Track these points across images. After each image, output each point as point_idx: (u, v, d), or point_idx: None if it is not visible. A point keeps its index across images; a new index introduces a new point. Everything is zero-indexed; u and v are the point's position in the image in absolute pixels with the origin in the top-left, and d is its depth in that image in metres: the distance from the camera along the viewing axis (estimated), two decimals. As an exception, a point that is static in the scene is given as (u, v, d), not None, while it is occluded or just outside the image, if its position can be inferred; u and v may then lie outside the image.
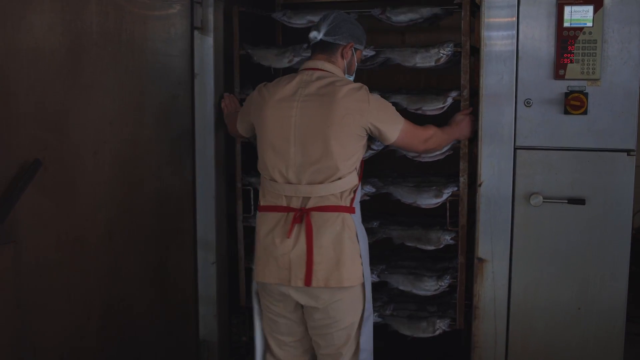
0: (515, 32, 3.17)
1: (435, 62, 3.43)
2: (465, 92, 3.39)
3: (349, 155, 2.81)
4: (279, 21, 3.83)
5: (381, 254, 3.88)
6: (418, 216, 3.77)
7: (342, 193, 2.82)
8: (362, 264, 2.85)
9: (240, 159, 3.70)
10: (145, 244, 3.21)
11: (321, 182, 2.79)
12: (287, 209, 2.82)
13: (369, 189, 3.54)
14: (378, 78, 4.31)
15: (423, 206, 3.49)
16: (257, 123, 2.92)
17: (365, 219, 3.74)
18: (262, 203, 2.92)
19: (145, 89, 3.15)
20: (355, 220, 2.87)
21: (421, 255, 3.77)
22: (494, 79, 3.21)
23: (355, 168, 2.88)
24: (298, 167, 2.80)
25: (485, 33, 3.20)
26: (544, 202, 3.19)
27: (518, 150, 3.23)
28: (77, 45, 2.71)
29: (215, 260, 3.63)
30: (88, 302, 2.86)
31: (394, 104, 3.51)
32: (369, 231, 3.60)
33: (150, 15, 3.15)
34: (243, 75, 3.69)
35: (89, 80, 2.79)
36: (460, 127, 3.31)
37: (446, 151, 3.42)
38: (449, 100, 3.43)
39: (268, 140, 2.86)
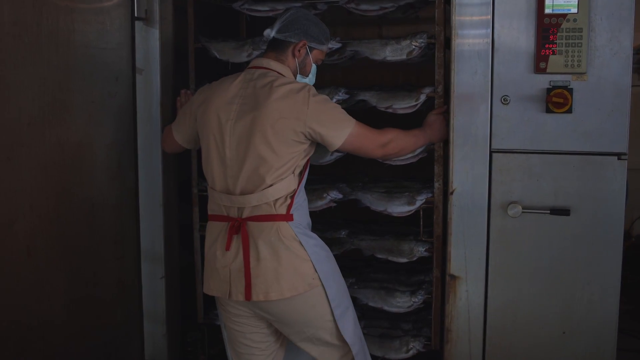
0: (490, 20, 2.79)
1: (407, 56, 3.07)
2: (440, 89, 3.02)
3: (282, 162, 2.58)
4: (242, 12, 3.48)
5: (353, 265, 3.54)
6: (392, 223, 3.41)
7: (275, 201, 2.58)
8: (313, 267, 2.62)
9: (197, 162, 3.36)
10: (75, 259, 2.88)
11: (252, 192, 2.58)
12: (227, 219, 2.63)
13: (335, 194, 3.19)
14: (352, 75, 3.96)
15: (394, 214, 3.14)
16: (200, 128, 2.71)
17: (332, 227, 3.42)
18: (208, 211, 2.74)
19: (73, 86, 2.82)
20: (294, 227, 2.61)
21: (396, 267, 3.41)
22: (467, 73, 2.84)
23: (293, 172, 2.62)
24: (234, 175, 2.60)
25: (456, 20, 2.83)
26: (523, 212, 2.81)
27: (494, 154, 2.86)
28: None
29: (165, 274, 3.30)
30: (3, 325, 2.54)
31: (360, 101, 3.20)
32: (336, 241, 3.27)
33: (78, 5, 2.81)
34: (199, 71, 3.35)
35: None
36: (433, 129, 2.96)
37: (419, 154, 3.06)
38: (422, 98, 3.06)
39: (208, 146, 2.66)
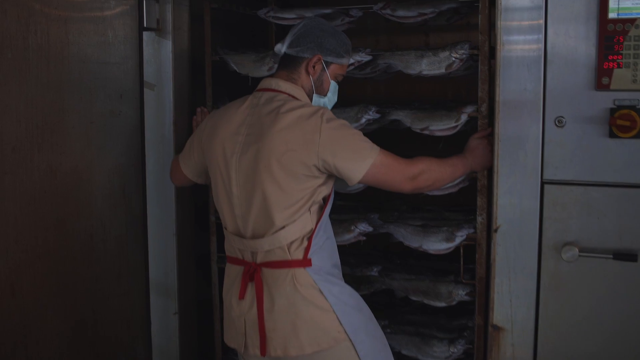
0: (542, 27, 2.36)
1: (445, 69, 2.65)
2: (484, 108, 2.60)
3: (293, 201, 2.23)
4: (271, 22, 3.15)
5: (388, 302, 3.14)
6: (432, 258, 3.00)
7: (290, 244, 2.26)
8: (337, 319, 2.27)
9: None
10: (70, 297, 2.60)
11: (263, 235, 2.26)
12: (242, 263, 2.35)
13: (365, 227, 2.82)
14: (396, 88, 3.55)
15: (431, 252, 2.73)
16: (208, 161, 2.40)
17: (364, 262, 3.03)
18: (225, 251, 2.46)
19: (67, 106, 2.54)
20: (313, 273, 2.27)
21: (435, 307, 2.99)
22: (514, 90, 2.41)
23: (309, 210, 2.27)
24: (243, 216, 2.30)
25: (501, 26, 2.40)
26: (580, 256, 2.35)
27: (547, 186, 2.41)
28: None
29: (178, 310, 2.99)
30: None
31: (393, 122, 2.80)
32: (365, 280, 2.88)
33: (73, 16, 2.54)
34: (218, 87, 3.04)
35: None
36: (475, 155, 2.54)
37: (459, 183, 2.66)
38: (463, 118, 2.64)
39: (216, 183, 2.36)
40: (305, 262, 2.25)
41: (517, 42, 2.40)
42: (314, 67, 2.36)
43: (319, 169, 2.22)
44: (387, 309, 3.05)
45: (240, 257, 2.33)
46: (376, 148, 2.26)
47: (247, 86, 3.02)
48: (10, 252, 2.36)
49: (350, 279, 2.89)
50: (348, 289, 2.36)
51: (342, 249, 3.02)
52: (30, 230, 2.43)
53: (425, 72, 2.68)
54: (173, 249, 2.96)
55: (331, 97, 2.49)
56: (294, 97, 2.33)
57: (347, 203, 3.21)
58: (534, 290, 2.46)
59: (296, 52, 2.36)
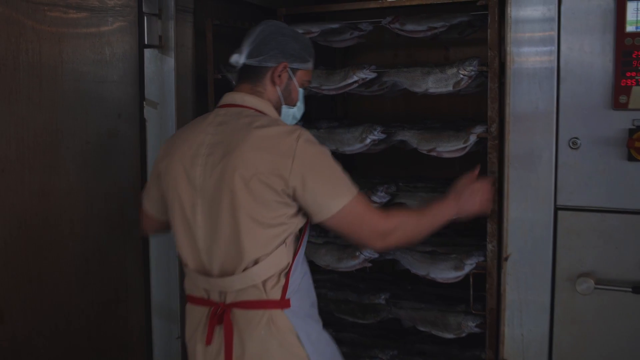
0: (554, 40, 2.20)
1: (453, 87, 2.51)
2: (494, 128, 2.44)
3: (266, 232, 1.97)
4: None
5: (398, 329, 2.98)
6: (442, 285, 2.84)
7: (265, 282, 1.99)
8: None
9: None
10: (62, 322, 2.52)
11: (233, 272, 1.99)
12: (208, 303, 2.07)
13: (370, 253, 2.67)
14: (417, 103, 3.40)
15: (439, 280, 2.58)
16: (165, 189, 2.12)
17: (372, 289, 2.89)
18: (185, 290, 2.17)
19: (61, 126, 2.47)
20: (292, 316, 2.01)
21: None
22: (525, 107, 2.26)
23: (284, 242, 2.00)
24: (208, 250, 2.02)
25: (511, 39, 2.25)
26: (596, 288, 2.19)
27: (560, 212, 2.25)
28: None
29: (180, 334, 2.89)
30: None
31: (400, 142, 2.66)
32: (371, 308, 2.74)
33: (68, 32, 2.47)
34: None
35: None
36: (460, 200, 2.23)
37: (468, 207, 2.50)
38: (472, 139, 2.49)
39: (174, 213, 2.08)
40: (284, 303, 1.99)
41: (527, 56, 2.25)
42: (279, 76, 2.11)
43: (289, 196, 1.95)
44: (396, 337, 2.90)
45: (205, 296, 2.06)
46: (354, 190, 1.98)
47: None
48: (-1, 276, 2.30)
49: (357, 306, 2.77)
50: (325, 335, 2.14)
51: (350, 273, 2.92)
52: (20, 253, 2.36)
53: (431, 90, 2.54)
54: (175, 272, 2.86)
55: (300, 106, 2.25)
56: (262, 112, 2.08)
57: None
58: (547, 324, 2.29)
59: (258, 61, 2.10)
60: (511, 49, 2.26)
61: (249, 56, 2.11)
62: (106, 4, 2.59)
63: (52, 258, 2.48)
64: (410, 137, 2.60)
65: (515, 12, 2.25)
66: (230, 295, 2.00)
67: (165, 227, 2.25)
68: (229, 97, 2.14)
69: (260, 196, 1.93)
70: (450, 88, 2.50)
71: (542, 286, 2.28)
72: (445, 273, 2.53)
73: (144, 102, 2.83)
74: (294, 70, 2.15)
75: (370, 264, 2.69)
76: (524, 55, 2.25)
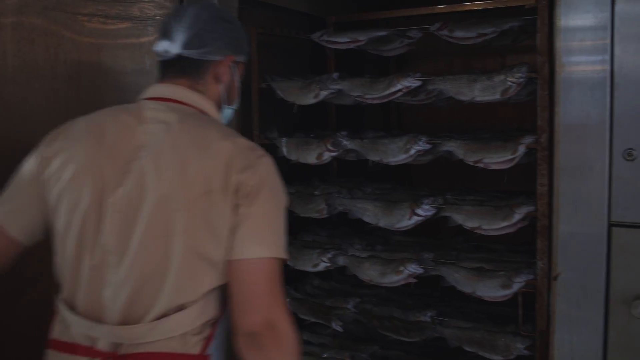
0: (607, 47, 2.05)
1: (501, 95, 2.38)
2: (544, 138, 2.30)
3: (205, 273, 1.57)
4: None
5: (443, 347, 2.85)
6: (492, 304, 2.69)
7: (184, 334, 1.57)
8: None
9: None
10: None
11: (140, 320, 1.55)
12: (90, 353, 1.59)
13: (414, 268, 2.56)
14: (470, 112, 3.27)
15: (485, 298, 2.45)
16: (55, 206, 1.63)
17: (419, 304, 2.78)
18: (51, 333, 1.68)
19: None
20: None
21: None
22: (576, 116, 2.11)
23: (221, 286, 1.61)
24: (116, 287, 1.57)
25: (561, 47, 2.12)
26: (654, 313, 2.01)
27: (615, 228, 2.09)
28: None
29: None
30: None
31: (447, 152, 2.55)
32: (415, 326, 2.62)
33: (107, 43, 2.47)
34: (266, 114, 2.91)
35: (0, 128, 2.18)
36: None
37: (517, 222, 2.37)
38: (521, 150, 2.35)
39: (70, 232, 1.60)
40: None
41: (578, 62, 2.11)
42: (224, 72, 1.74)
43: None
44: (443, 357, 2.77)
45: (87, 344, 1.58)
46: (282, 251, 1.60)
47: (290, 114, 2.89)
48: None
49: (401, 323, 2.66)
50: None
51: (397, 288, 2.81)
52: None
53: (478, 99, 2.41)
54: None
55: (236, 104, 1.89)
56: (207, 114, 1.71)
57: (405, 239, 2.97)
58: (600, 350, 2.12)
59: (200, 54, 1.69)
60: (560, 56, 2.12)
61: (187, 46, 1.69)
62: (146, 13, 2.58)
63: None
64: (456, 148, 2.48)
65: (565, 18, 2.12)
66: (129, 345, 1.56)
67: (15, 253, 1.72)
68: (164, 90, 1.72)
69: (207, 221, 1.55)
70: (498, 96, 2.37)
71: (594, 308, 2.12)
72: (492, 291, 2.40)
73: (188, 113, 2.81)
74: (236, 64, 1.79)
75: (415, 280, 2.58)
76: (574, 61, 2.11)
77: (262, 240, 1.56)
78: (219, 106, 1.78)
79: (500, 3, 2.74)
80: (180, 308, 1.55)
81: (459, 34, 2.63)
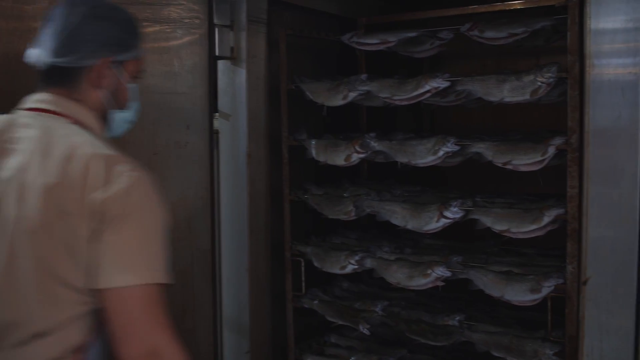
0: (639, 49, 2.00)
1: (530, 95, 2.34)
2: (574, 139, 2.25)
3: (65, 292, 1.44)
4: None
5: (475, 352, 2.81)
6: (521, 309, 2.63)
7: None
8: None
9: (290, 222, 2.91)
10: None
11: None
12: None
13: (442, 271, 2.52)
14: (504, 113, 3.23)
15: (514, 303, 2.40)
16: None
17: (448, 308, 2.74)
18: None
19: (128, 137, 2.48)
20: None
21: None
22: (607, 117, 2.07)
23: (88, 310, 1.47)
24: None
25: (591, 49, 2.07)
26: (688, 319, 1.95)
27: (647, 233, 2.03)
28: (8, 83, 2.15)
29: (250, 349, 2.85)
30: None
31: (475, 154, 2.51)
32: (443, 330, 2.59)
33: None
34: (295, 115, 2.91)
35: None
36: None
37: (546, 225, 2.32)
38: (550, 151, 2.31)
39: None
40: None
41: (608, 65, 2.07)
42: (102, 77, 1.59)
43: None
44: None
45: None
46: (160, 273, 1.49)
47: (320, 115, 2.90)
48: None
49: (428, 327, 2.63)
50: None
51: (426, 292, 2.78)
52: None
53: (507, 99, 2.37)
54: (245, 285, 2.84)
55: (134, 107, 1.76)
56: (84, 124, 1.56)
57: (436, 242, 2.94)
58: (631, 356, 2.08)
59: (70, 61, 1.55)
60: (590, 56, 2.08)
61: (56, 53, 1.55)
62: (175, 17, 2.60)
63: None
64: (485, 150, 2.45)
65: (594, 18, 2.07)
66: None
67: None
68: (38, 100, 1.58)
69: (64, 242, 1.43)
70: (528, 96, 2.33)
71: (625, 314, 2.06)
72: (520, 295, 2.35)
73: (217, 114, 2.83)
74: (120, 63, 1.63)
75: (443, 284, 2.55)
76: (605, 62, 2.07)
77: (131, 267, 1.43)
78: (104, 113, 1.64)
79: (532, 3, 2.69)
80: (41, 335, 1.43)
81: (489, 34, 2.59)
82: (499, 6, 2.77)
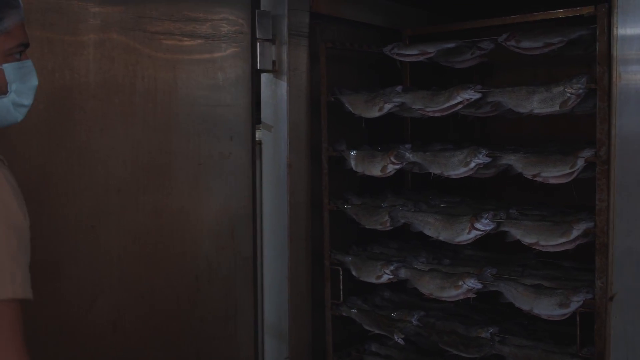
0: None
1: (560, 107, 2.31)
2: (604, 151, 2.21)
3: None
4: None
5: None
6: (560, 322, 2.58)
7: None
8: None
9: (330, 231, 2.97)
10: (173, 335, 2.64)
11: None
12: None
13: (473, 283, 2.53)
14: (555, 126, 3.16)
15: (543, 317, 2.37)
16: None
17: (480, 320, 2.72)
18: None
19: (174, 147, 2.62)
20: None
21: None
22: (634, 130, 2.03)
23: None
24: None
25: (617, 57, 2.04)
26: None
27: (674, 248, 1.98)
28: (64, 99, 2.31)
29: (289, 355, 2.92)
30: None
31: (505, 166, 2.49)
32: (474, 342, 2.58)
33: (182, 59, 2.62)
34: (336, 126, 2.97)
35: (82, 140, 2.36)
36: None
37: (576, 239, 2.28)
38: (579, 164, 2.27)
39: None
40: None
41: (636, 73, 2.01)
42: None
43: None
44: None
45: None
46: (17, 291, 1.33)
47: (359, 127, 2.94)
48: (113, 290, 2.47)
49: (459, 339, 2.63)
50: None
51: (465, 302, 2.77)
52: (132, 268, 2.53)
53: (537, 111, 2.35)
54: (285, 292, 2.91)
55: (20, 88, 1.52)
56: None
57: (476, 253, 2.93)
58: (659, 377, 2.02)
59: None
60: (617, 65, 2.05)
61: None
62: (220, 31, 2.71)
63: (164, 275, 2.62)
64: (515, 162, 2.43)
65: (621, 26, 2.04)
66: None
67: None
68: None
69: None
70: (557, 108, 2.30)
71: (651, 332, 2.02)
72: (549, 309, 2.32)
73: (260, 125, 2.93)
74: None
75: (474, 295, 2.54)
76: (632, 71, 2.02)
77: None
78: None
79: (572, 12, 2.64)
80: None
81: (525, 44, 2.58)
82: (540, 15, 2.74)
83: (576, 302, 2.27)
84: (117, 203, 2.47)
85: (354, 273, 2.90)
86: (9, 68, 1.47)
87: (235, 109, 2.81)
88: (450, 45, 2.79)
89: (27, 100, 1.54)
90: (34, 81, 1.54)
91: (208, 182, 2.75)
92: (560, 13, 2.67)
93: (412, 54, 2.88)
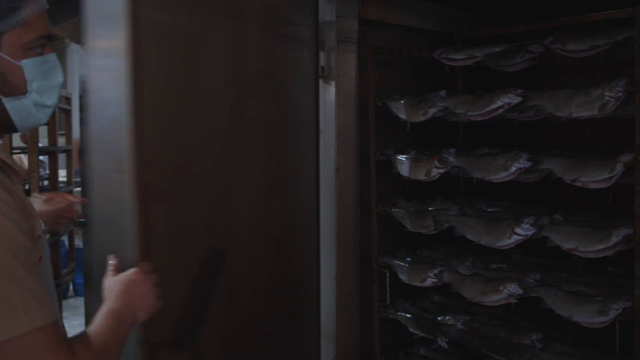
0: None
1: (599, 110, 2.27)
2: (644, 155, 2.15)
3: None
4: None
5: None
6: (601, 329, 2.50)
7: None
8: None
9: (378, 234, 3.01)
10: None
11: None
12: None
13: (514, 289, 2.50)
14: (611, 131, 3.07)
15: (582, 324, 2.33)
16: None
17: (525, 325, 2.69)
18: None
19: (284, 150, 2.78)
20: None
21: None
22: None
23: None
24: None
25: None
26: None
27: None
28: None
29: (337, 355, 2.97)
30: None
31: (548, 170, 2.46)
32: (514, 348, 2.56)
33: (291, 56, 2.77)
34: (384, 131, 3.01)
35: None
36: (129, 300, 1.56)
37: (615, 245, 2.23)
38: (618, 168, 2.22)
39: None
40: None
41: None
42: None
43: None
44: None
45: None
46: (35, 320, 1.22)
47: (404, 131, 2.96)
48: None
49: (500, 344, 2.60)
50: None
51: (511, 308, 2.75)
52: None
53: (575, 115, 2.31)
54: (332, 293, 2.96)
55: (42, 86, 1.41)
56: None
57: (525, 258, 2.89)
58: (694, 389, 1.95)
59: None
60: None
61: None
62: (289, 36, 2.78)
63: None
64: (555, 166, 2.39)
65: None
66: None
67: None
68: None
69: None
70: (596, 111, 2.26)
71: (687, 342, 1.95)
72: (588, 317, 2.28)
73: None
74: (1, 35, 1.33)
75: (515, 300, 2.52)
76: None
77: None
78: None
79: (613, 14, 2.56)
80: None
81: (571, 47, 2.54)
82: (592, 17, 2.68)
83: (615, 310, 2.22)
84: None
85: (400, 276, 2.92)
86: (28, 64, 1.36)
87: (309, 112, 2.88)
88: (497, 49, 2.78)
89: (51, 100, 1.43)
90: (58, 78, 1.43)
91: (295, 183, 2.85)
92: (601, 15, 2.60)
93: (460, 58, 2.88)
